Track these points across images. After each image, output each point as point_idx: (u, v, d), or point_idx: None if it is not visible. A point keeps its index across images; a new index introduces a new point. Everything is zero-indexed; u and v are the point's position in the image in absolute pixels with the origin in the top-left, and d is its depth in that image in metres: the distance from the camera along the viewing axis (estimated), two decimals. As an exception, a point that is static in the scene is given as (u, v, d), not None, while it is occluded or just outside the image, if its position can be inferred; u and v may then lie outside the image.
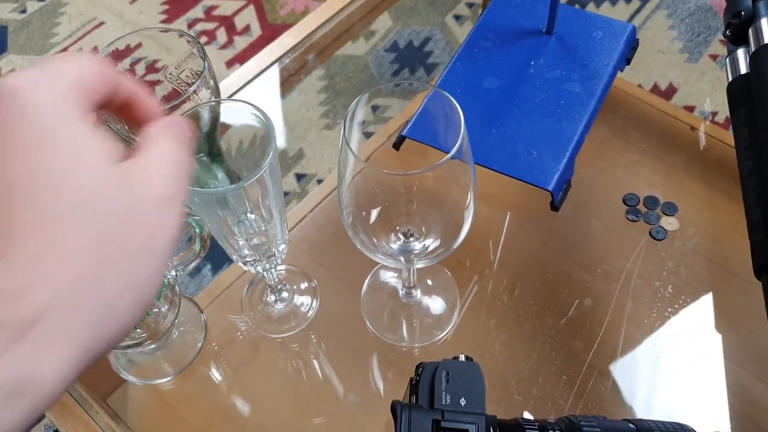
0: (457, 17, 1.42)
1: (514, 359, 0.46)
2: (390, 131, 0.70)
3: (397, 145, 0.58)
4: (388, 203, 0.40)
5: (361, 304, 0.50)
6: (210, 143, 0.47)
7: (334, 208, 0.58)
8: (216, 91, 0.48)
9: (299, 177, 1.21)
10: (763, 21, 0.50)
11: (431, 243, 0.40)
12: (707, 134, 0.59)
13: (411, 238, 0.40)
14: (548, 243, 0.52)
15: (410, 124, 0.56)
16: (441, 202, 0.39)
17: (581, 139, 0.54)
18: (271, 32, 1.44)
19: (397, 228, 0.41)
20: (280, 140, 1.24)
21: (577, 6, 1.39)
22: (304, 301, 0.50)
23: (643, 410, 0.44)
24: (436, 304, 0.50)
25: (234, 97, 0.66)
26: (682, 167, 0.56)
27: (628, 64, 0.61)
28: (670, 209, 0.52)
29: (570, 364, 0.45)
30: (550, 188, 0.51)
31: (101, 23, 1.51)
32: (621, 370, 0.45)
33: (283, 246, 0.41)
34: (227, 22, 1.48)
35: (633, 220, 0.52)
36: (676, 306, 0.47)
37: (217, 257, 0.88)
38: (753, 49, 0.49)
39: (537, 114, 0.55)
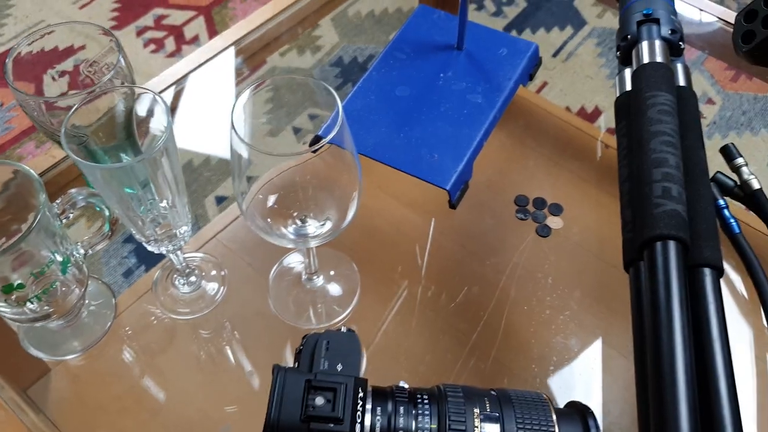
0: (400, 37, 1.48)
1: (406, 338, 0.50)
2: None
3: (313, 143, 0.61)
4: (283, 191, 0.43)
5: (269, 291, 0.53)
6: (126, 133, 0.50)
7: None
8: (129, 72, 0.51)
9: (238, 183, 1.23)
10: (644, 44, 0.55)
11: (323, 225, 0.44)
12: (604, 143, 0.65)
13: (306, 223, 0.44)
14: (445, 236, 0.56)
15: (325, 126, 0.60)
16: (331, 188, 0.42)
17: (480, 145, 0.59)
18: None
19: (294, 214, 0.44)
20: (221, 148, 1.26)
21: (514, 31, 1.47)
22: (212, 286, 0.53)
23: (519, 387, 0.48)
24: (336, 289, 0.53)
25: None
26: (574, 172, 0.61)
27: (531, 79, 0.67)
28: (556, 209, 0.57)
29: (455, 344, 0.49)
30: (447, 188, 0.55)
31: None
32: (500, 350, 0.49)
33: (185, 228, 0.44)
34: (176, 32, 1.50)
35: (522, 219, 0.56)
36: (554, 295, 0.52)
37: (152, 260, 0.90)
38: (635, 68, 0.55)
39: (441, 121, 0.60)
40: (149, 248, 0.45)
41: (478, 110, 0.60)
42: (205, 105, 0.72)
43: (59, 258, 0.43)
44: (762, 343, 0.52)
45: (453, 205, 0.57)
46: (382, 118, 0.60)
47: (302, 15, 0.78)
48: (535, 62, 0.67)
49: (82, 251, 0.46)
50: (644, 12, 0.58)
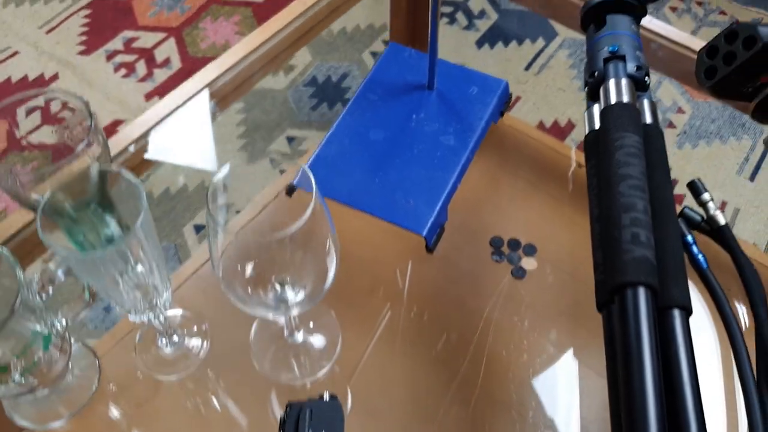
0: (374, 54, 1.48)
1: (388, 390, 0.51)
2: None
3: (289, 193, 0.62)
4: (259, 260, 0.44)
5: (251, 348, 0.54)
6: (100, 193, 0.50)
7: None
8: (104, 145, 0.51)
9: (217, 210, 1.23)
10: (611, 82, 0.57)
11: (304, 290, 0.45)
12: (578, 162, 0.66)
13: (285, 287, 0.45)
14: (422, 280, 0.57)
15: (300, 175, 0.61)
16: (306, 250, 0.43)
17: (454, 188, 0.60)
18: (191, 65, 1.47)
19: (273, 278, 0.45)
20: (198, 175, 1.26)
21: (486, 45, 1.48)
22: (194, 343, 0.53)
23: (500, 434, 0.49)
24: (318, 341, 0.54)
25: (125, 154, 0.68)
26: (546, 209, 0.62)
27: (502, 116, 0.68)
28: (530, 250, 0.58)
29: (435, 395, 0.50)
30: (424, 234, 0.56)
31: (15, 53, 1.50)
32: (480, 399, 0.50)
33: (166, 294, 0.45)
34: (147, 55, 1.49)
35: (497, 261, 0.58)
36: (531, 338, 0.53)
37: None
38: (603, 106, 0.56)
39: (415, 164, 0.61)
40: (131, 318, 0.45)
41: (452, 152, 0.61)
42: (181, 136, 0.72)
43: (42, 332, 0.43)
44: (730, 375, 0.54)
45: (430, 250, 0.58)
46: (357, 163, 0.61)
47: (278, 50, 0.78)
48: (506, 99, 0.68)
49: (64, 322, 0.46)
50: (610, 49, 0.60)
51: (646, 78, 0.58)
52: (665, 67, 0.78)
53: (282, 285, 0.44)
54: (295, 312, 0.44)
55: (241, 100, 1.36)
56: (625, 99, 0.55)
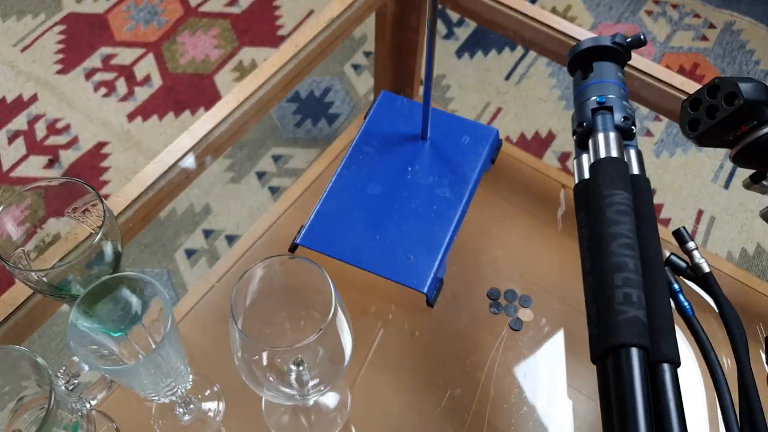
0: (356, 67, 1.49)
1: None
2: (294, 195, 0.73)
3: (292, 250, 0.64)
4: (275, 353, 0.45)
5: (263, 413, 0.56)
6: (113, 269, 0.52)
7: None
8: (113, 221, 0.52)
9: (207, 233, 1.24)
10: (600, 136, 0.58)
11: (320, 370, 0.47)
12: (564, 186, 0.69)
13: (301, 367, 0.47)
14: (422, 336, 0.60)
15: (303, 232, 0.62)
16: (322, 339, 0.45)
17: (451, 241, 0.62)
18: (171, 82, 1.46)
19: (288, 359, 0.47)
20: (186, 198, 1.27)
21: (466, 55, 1.49)
22: (210, 406, 0.55)
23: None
24: (329, 401, 0.56)
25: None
26: (540, 260, 0.65)
27: (493, 163, 0.70)
28: (525, 302, 0.61)
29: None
30: (425, 290, 0.58)
31: (-8, 74, 1.47)
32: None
33: (189, 380, 0.47)
34: (126, 72, 1.48)
35: (495, 313, 0.60)
36: (531, 392, 0.56)
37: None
38: (592, 159, 0.58)
39: (413, 219, 0.63)
40: (155, 400, 0.47)
41: (448, 205, 0.63)
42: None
43: (71, 422, 0.44)
44: (714, 418, 0.57)
45: (431, 305, 0.60)
46: (357, 220, 0.63)
47: (269, 96, 0.79)
48: (497, 146, 0.70)
49: (87, 406, 0.48)
50: (598, 100, 0.61)
51: (633, 127, 0.60)
52: (652, 104, 0.81)
53: (298, 366, 0.46)
54: (313, 398, 0.46)
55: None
56: (614, 153, 0.57)
